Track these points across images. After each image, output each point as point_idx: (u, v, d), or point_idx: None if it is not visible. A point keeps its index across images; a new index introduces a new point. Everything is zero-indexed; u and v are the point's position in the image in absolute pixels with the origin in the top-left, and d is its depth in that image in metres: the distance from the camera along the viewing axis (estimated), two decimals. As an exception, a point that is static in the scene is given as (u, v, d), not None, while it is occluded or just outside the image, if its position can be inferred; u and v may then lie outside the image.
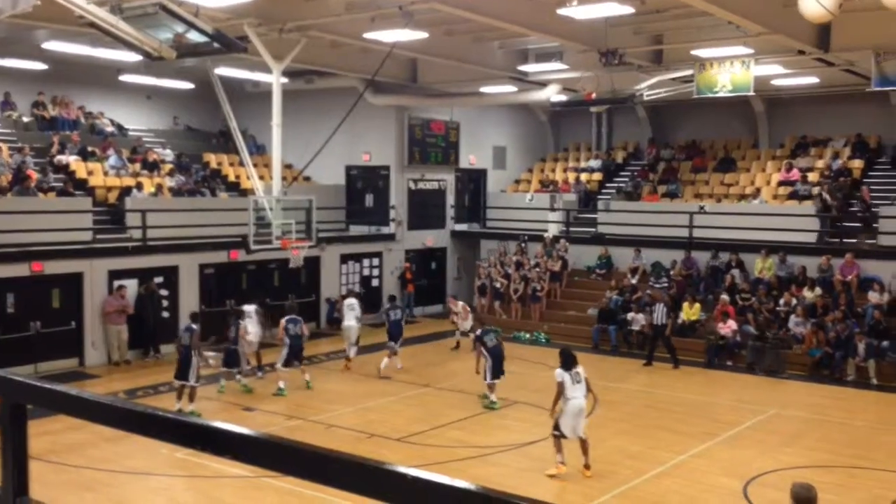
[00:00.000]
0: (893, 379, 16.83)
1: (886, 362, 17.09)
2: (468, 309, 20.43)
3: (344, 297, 19.60)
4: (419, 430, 13.62)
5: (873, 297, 18.67)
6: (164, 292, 19.38)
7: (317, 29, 16.48)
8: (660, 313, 19.00)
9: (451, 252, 26.79)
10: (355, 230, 25.08)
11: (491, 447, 12.75)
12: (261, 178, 19.16)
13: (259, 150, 25.42)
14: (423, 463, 11.49)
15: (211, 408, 14.68)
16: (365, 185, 25.66)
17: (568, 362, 11.72)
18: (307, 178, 24.04)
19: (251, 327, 16.37)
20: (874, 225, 20.56)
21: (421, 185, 25.73)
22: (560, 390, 11.47)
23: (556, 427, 11.51)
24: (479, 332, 15.72)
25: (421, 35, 16.06)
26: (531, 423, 14.16)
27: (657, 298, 19.42)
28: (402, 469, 1.82)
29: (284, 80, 18.43)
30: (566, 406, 11.41)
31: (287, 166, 21.89)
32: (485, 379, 15.10)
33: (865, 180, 23.16)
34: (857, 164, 23.53)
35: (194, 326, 14.51)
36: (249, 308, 16.91)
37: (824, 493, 10.72)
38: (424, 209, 25.84)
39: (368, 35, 16.41)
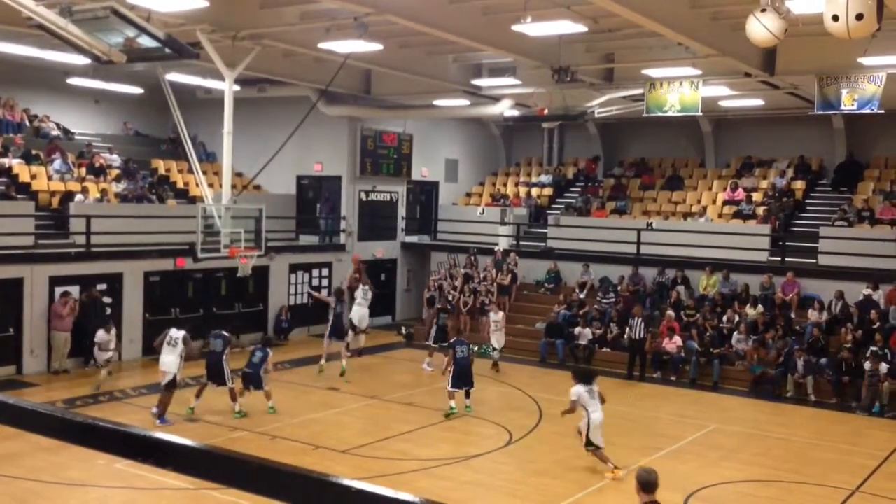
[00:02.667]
0: (830, 396, 17.26)
1: (824, 379, 17.51)
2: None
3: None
4: (365, 443, 13.55)
5: (813, 315, 19.15)
6: (107, 300, 18.98)
7: (271, 38, 16.39)
8: (638, 328, 19.10)
9: (401, 264, 26.76)
10: (305, 240, 24.89)
11: (437, 460, 12.74)
12: (210, 185, 18.94)
13: (209, 157, 25.10)
14: (368, 475, 11.43)
15: (153, 418, 14.39)
16: (316, 194, 25.52)
17: (586, 378, 12.31)
18: (257, 187, 23.81)
19: (166, 355, 14.35)
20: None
21: (372, 196, 25.68)
22: (572, 407, 12.10)
23: (590, 443, 12.02)
24: (453, 340, 16.10)
25: (375, 47, 16.07)
26: (477, 436, 14.22)
27: (637, 314, 19.34)
28: (347, 481, 1.83)
29: (236, 87, 18.26)
30: (590, 420, 11.95)
31: (237, 174, 21.68)
32: (447, 385, 15.33)
33: (807, 201, 23.81)
34: (800, 185, 24.17)
35: (225, 334, 15.16)
36: (177, 334, 14.56)
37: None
38: (375, 220, 25.79)
39: (323, 45, 16.38)
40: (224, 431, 13.83)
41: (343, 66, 16.70)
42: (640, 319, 19.16)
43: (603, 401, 12.17)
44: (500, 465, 12.95)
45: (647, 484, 6.68)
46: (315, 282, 24.23)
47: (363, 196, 25.35)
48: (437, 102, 23.02)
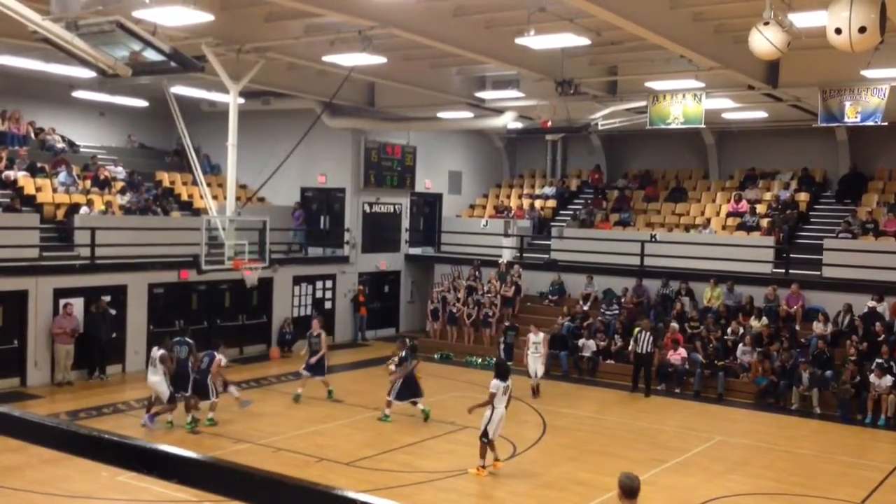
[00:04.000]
0: (836, 408, 17.19)
1: (829, 392, 17.45)
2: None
3: None
4: (368, 455, 13.52)
5: (818, 327, 19.09)
6: (112, 311, 19.01)
7: (275, 51, 16.47)
8: (645, 342, 18.75)
9: (405, 275, 26.77)
10: (309, 252, 24.92)
11: (441, 472, 12.70)
12: (214, 197, 18.98)
13: (213, 169, 25.18)
14: (372, 488, 11.40)
15: (156, 430, 14.39)
16: (320, 206, 25.57)
17: (504, 375, 12.70)
18: (262, 199, 23.87)
19: (151, 375, 14.63)
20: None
21: (376, 209, 25.72)
22: (489, 399, 12.49)
23: (486, 434, 12.44)
24: (403, 353, 15.98)
25: (379, 60, 16.14)
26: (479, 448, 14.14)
27: (644, 327, 19.07)
28: (350, 494, 1.83)
29: (241, 100, 18.33)
30: (493, 414, 12.43)
31: (242, 186, 21.73)
32: (388, 394, 15.57)
33: (811, 213, 23.79)
34: (803, 197, 24.15)
35: (189, 340, 15.08)
36: (156, 354, 14.74)
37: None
38: (379, 232, 25.82)
39: (327, 58, 16.45)
40: (227, 444, 13.81)
41: (347, 78, 16.78)
42: (647, 333, 19.02)
43: (510, 399, 12.87)
44: (503, 478, 12.89)
45: (630, 490, 6.69)
46: (319, 294, 24.25)
47: (367, 208, 25.40)
48: (440, 115, 23.09)
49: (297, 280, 23.50)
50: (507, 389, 12.59)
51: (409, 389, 15.55)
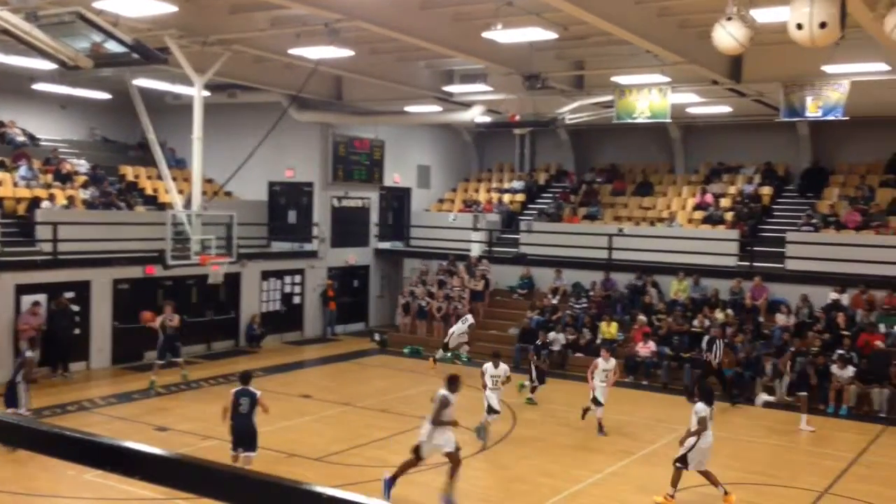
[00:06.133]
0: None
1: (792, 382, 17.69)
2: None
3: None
4: (339, 450, 13.49)
5: (781, 319, 19.39)
6: (75, 308, 18.73)
7: (241, 43, 16.31)
8: (718, 350, 17.88)
9: (374, 270, 26.71)
10: (277, 247, 24.77)
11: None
12: (180, 192, 18.76)
13: (179, 163, 24.88)
14: (343, 483, 11.37)
15: (122, 427, 14.22)
16: (288, 201, 25.41)
17: (710, 398, 11.65)
18: (228, 193, 23.65)
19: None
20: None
21: (345, 203, 25.62)
22: (703, 426, 11.24)
23: (683, 460, 11.30)
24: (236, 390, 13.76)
25: (346, 53, 16.05)
26: (451, 442, 14.16)
27: (717, 335, 18.21)
28: (319, 489, 1.81)
29: (206, 93, 18.15)
30: (702, 441, 11.27)
31: (208, 181, 21.51)
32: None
33: (774, 207, 24.12)
34: (767, 191, 24.48)
35: (28, 354, 13.90)
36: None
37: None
38: (348, 227, 25.73)
39: (293, 51, 16.33)
40: (195, 440, 13.69)
41: (314, 72, 16.67)
42: (720, 342, 17.99)
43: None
44: (473, 470, 12.93)
45: None
46: (288, 289, 24.13)
47: (335, 202, 25.28)
48: (408, 109, 23.05)
49: (266, 275, 23.35)
50: (712, 414, 11.48)
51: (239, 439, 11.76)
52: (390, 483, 10.76)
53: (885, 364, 17.17)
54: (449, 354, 20.59)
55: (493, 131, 27.06)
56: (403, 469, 10.95)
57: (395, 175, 27.20)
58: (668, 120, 19.22)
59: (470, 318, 21.14)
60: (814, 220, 22.01)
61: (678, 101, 18.97)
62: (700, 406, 11.31)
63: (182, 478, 2.04)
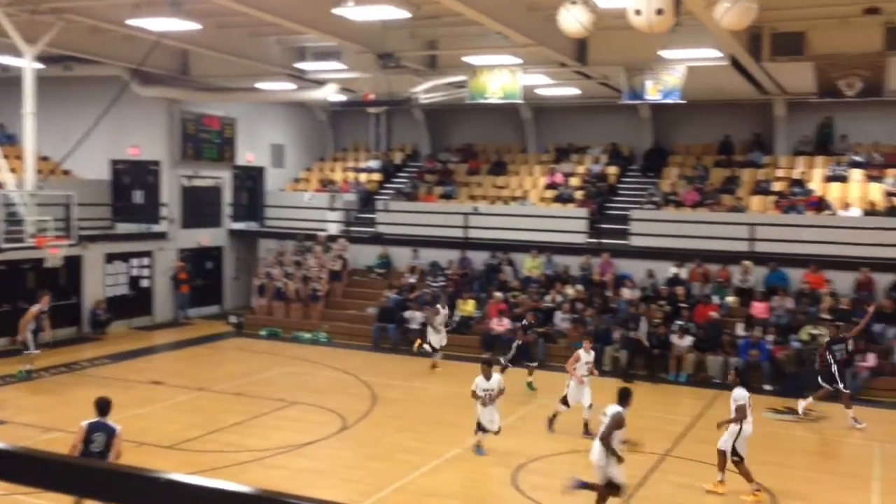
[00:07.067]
0: (642, 367, 18.43)
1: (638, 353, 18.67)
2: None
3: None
4: (193, 436, 13.11)
5: (626, 293, 20.38)
6: None
7: (74, 12, 15.36)
8: (645, 327, 18.34)
9: (228, 251, 25.99)
10: (123, 228, 23.59)
11: (269, 449, 12.53)
12: (12, 170, 17.53)
13: (10, 139, 23.21)
14: (197, 470, 11.07)
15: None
16: (133, 180, 24.26)
17: (749, 384, 11.29)
18: (66, 172, 22.31)
19: None
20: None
21: (195, 182, 24.73)
22: (742, 413, 10.79)
23: (735, 452, 10.85)
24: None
25: (192, 26, 15.43)
26: (311, 423, 14.10)
27: (643, 313, 18.59)
28: (172, 476, 1.76)
29: (39, 65, 17.00)
30: (746, 428, 10.89)
31: (43, 158, 20.20)
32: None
33: (620, 186, 25.25)
34: (613, 170, 25.58)
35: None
36: None
37: (585, 476, 11.57)
38: (199, 207, 24.88)
39: (132, 22, 15.50)
40: (36, 433, 12.93)
41: (157, 45, 15.95)
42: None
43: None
44: (334, 450, 12.93)
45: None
46: (135, 272, 23.11)
47: (185, 182, 24.36)
48: (260, 85, 22.46)
49: (111, 258, 22.24)
50: (749, 402, 10.97)
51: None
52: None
53: (718, 333, 18.40)
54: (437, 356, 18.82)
55: (348, 110, 26.85)
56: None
57: (248, 154, 26.50)
58: (520, 101, 19.70)
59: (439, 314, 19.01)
60: (655, 199, 23.20)
61: (528, 82, 19.45)
62: (739, 392, 10.83)
63: (23, 471, 1.94)
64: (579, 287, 20.80)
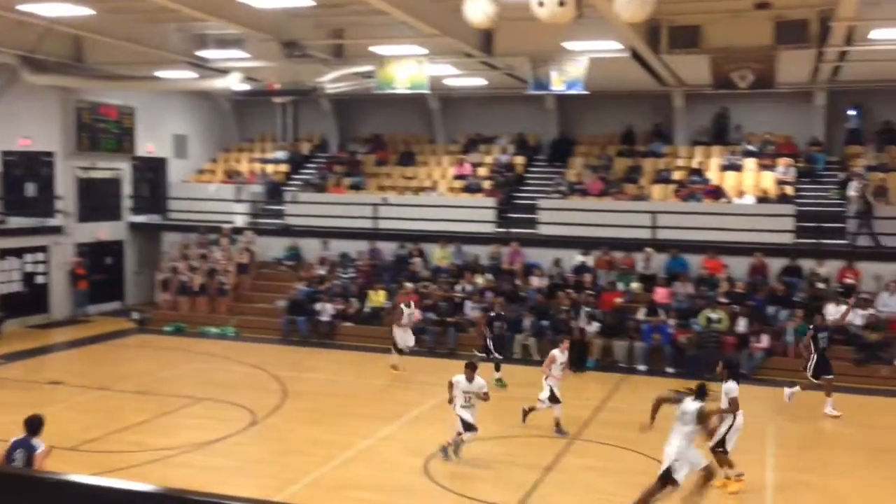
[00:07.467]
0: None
1: (546, 340, 18.99)
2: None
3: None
4: (95, 437, 12.68)
5: (535, 281, 20.70)
6: None
7: (-43, -5, 14.55)
8: (584, 316, 18.49)
9: (129, 245, 25.15)
10: (15, 222, 22.50)
11: (175, 448, 12.23)
12: None
13: None
14: (98, 471, 10.68)
15: None
16: (25, 172, 23.17)
17: (739, 377, 11.12)
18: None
19: None
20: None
21: (93, 174, 23.82)
22: (735, 406, 10.66)
23: (722, 444, 10.69)
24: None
25: (85, 11, 14.84)
26: (219, 420, 13.83)
27: (581, 301, 18.61)
28: (73, 477, 1.70)
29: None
30: (738, 421, 10.77)
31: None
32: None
33: (527, 175, 25.60)
34: (520, 160, 25.91)
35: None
36: None
37: (496, 462, 11.76)
38: (97, 200, 23.98)
39: (22, 7, 14.79)
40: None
41: (48, 31, 15.27)
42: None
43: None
44: (243, 447, 12.73)
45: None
46: (29, 268, 22.14)
47: (82, 173, 23.43)
48: (159, 74, 21.77)
49: (3, 253, 21.26)
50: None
51: None
52: None
53: (623, 319, 18.91)
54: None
55: (253, 100, 26.30)
56: (646, 499, 9.62)
57: (149, 144, 25.67)
58: (427, 91, 19.72)
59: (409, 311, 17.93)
60: (562, 188, 23.63)
61: (436, 72, 19.48)
62: (731, 385, 10.74)
63: None
64: (489, 276, 21.02)
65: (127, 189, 25.06)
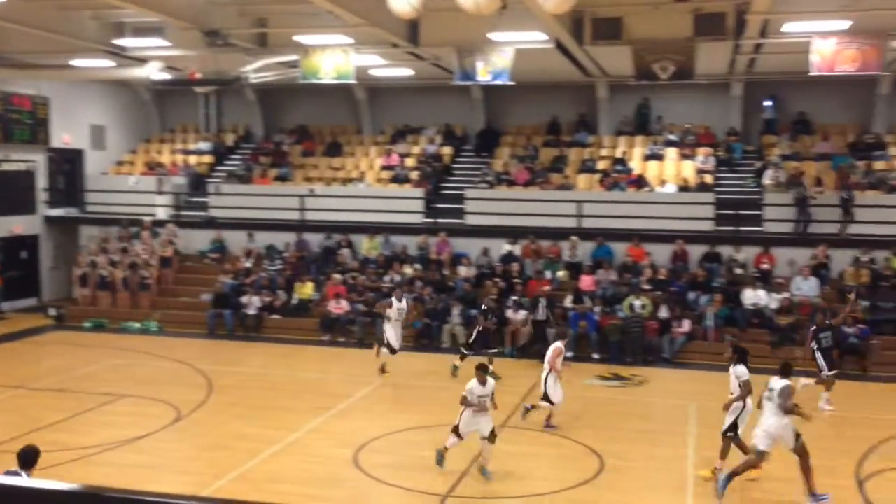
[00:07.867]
0: (481, 345, 18.83)
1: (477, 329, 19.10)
2: None
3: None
4: (12, 437, 12.23)
5: (463, 270, 20.82)
6: None
7: None
8: (543, 307, 18.27)
9: (45, 240, 24.31)
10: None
11: (96, 446, 11.93)
12: None
13: None
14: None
15: None
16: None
17: (746, 360, 10.98)
18: None
19: None
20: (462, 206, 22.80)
21: (5, 167, 22.93)
22: (748, 389, 10.59)
23: (734, 428, 10.75)
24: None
25: (-3, -3, 14.25)
26: (141, 417, 13.53)
27: (542, 294, 18.49)
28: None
29: None
30: (749, 405, 10.69)
31: None
32: None
33: (454, 166, 25.69)
34: (447, 150, 25.96)
35: None
36: None
37: (424, 452, 11.80)
38: (10, 193, 23.09)
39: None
40: None
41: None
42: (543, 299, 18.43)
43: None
44: (168, 443, 12.48)
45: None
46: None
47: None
48: (74, 63, 21.06)
49: None
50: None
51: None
52: (727, 480, 9.99)
53: (550, 307, 19.14)
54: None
55: (174, 89, 25.64)
56: (745, 469, 10.09)
57: (65, 136, 24.84)
58: (354, 81, 19.58)
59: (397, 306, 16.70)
60: (489, 178, 23.78)
61: (362, 63, 19.36)
62: (741, 369, 10.76)
63: None
64: (417, 266, 21.05)
65: (42, 182, 24.22)
